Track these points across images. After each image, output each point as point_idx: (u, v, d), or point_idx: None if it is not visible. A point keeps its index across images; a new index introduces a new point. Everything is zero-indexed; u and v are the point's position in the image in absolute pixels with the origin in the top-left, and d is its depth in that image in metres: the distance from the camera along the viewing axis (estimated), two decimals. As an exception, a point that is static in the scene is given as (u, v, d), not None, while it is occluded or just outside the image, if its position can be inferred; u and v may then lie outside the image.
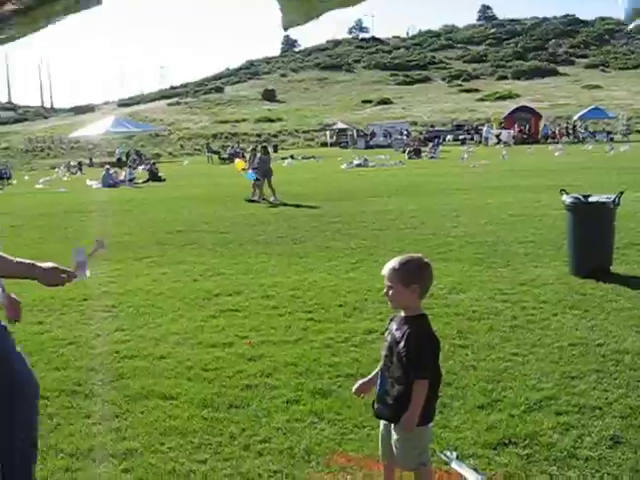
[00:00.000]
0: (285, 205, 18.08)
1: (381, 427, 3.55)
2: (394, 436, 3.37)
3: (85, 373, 5.81)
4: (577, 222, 8.54)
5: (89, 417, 4.91)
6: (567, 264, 8.75)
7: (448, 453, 4.05)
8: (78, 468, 4.16)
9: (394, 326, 3.36)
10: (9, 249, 10.81)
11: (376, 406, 3.46)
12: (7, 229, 16.36)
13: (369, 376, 3.65)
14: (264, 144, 24.71)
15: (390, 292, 3.32)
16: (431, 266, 3.38)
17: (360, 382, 3.65)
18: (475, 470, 3.85)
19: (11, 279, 3.58)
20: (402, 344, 3.24)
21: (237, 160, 22.97)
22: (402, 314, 3.36)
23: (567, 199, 8.62)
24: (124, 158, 48.58)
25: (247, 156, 24.06)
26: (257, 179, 19.90)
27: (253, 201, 19.48)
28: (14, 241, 13.84)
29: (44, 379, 5.69)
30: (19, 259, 3.38)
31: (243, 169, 21.21)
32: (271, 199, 19.26)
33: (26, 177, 43.07)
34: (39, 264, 3.37)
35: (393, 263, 3.32)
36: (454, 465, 3.93)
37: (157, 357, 6.13)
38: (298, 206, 17.50)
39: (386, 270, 3.33)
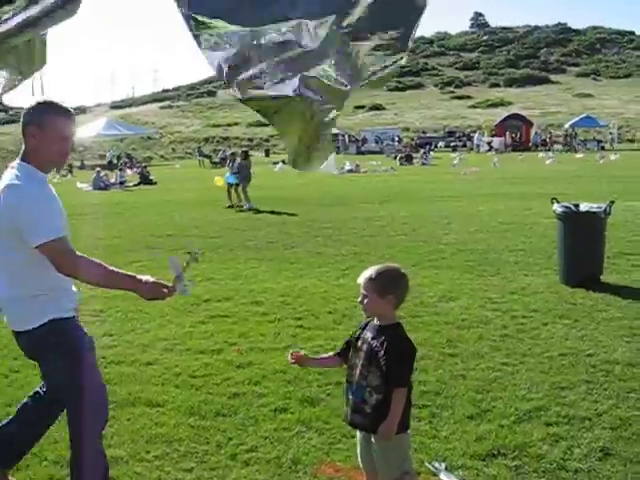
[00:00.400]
0: (274, 212, 17.99)
1: (359, 437, 3.51)
2: (374, 447, 3.34)
3: (71, 379, 5.75)
4: (568, 231, 8.53)
5: (74, 424, 4.85)
6: (557, 273, 8.74)
7: (437, 464, 4.01)
8: (62, 476, 4.10)
9: (369, 334, 3.34)
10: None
11: (351, 416, 3.41)
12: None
13: (313, 356, 3.68)
14: (244, 149, 24.02)
15: (365, 301, 3.32)
16: (407, 277, 3.38)
17: (304, 355, 3.63)
18: (463, 482, 3.82)
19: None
20: (382, 353, 3.22)
21: (216, 178, 22.39)
22: (376, 322, 3.35)
23: (558, 208, 8.61)
24: (115, 161, 48.43)
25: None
26: (235, 184, 19.59)
27: (236, 206, 19.25)
28: (3, 243, 13.76)
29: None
30: (121, 271, 3.37)
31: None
32: (245, 206, 18.92)
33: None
34: (140, 277, 3.35)
35: (370, 272, 3.32)
36: (442, 476, 3.89)
37: (144, 363, 6.08)
38: (289, 212, 17.44)
39: (362, 279, 3.33)
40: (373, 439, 3.34)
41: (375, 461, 3.39)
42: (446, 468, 3.98)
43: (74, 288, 3.60)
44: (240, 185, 19.45)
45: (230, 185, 19.78)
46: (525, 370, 5.57)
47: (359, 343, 3.39)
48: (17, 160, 3.42)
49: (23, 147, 3.43)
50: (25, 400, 3.87)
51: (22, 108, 3.44)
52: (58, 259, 3.24)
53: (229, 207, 19.16)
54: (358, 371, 3.33)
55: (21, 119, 3.42)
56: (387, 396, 3.21)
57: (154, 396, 5.25)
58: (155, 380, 5.63)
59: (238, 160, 20.13)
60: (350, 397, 3.39)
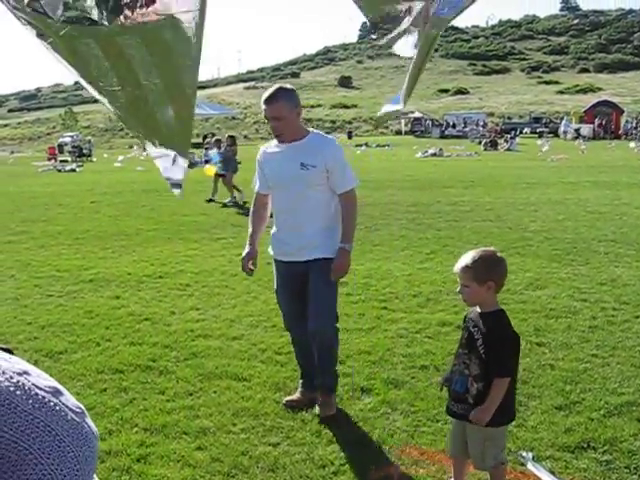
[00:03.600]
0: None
1: (454, 423, 3.46)
2: (473, 435, 3.29)
3: (160, 349, 5.90)
4: (663, 222, 8.23)
5: (163, 393, 4.98)
6: (650, 265, 8.45)
7: (524, 453, 3.94)
8: (152, 443, 4.22)
9: (471, 323, 3.27)
10: (88, 224, 11.13)
11: (455, 406, 3.33)
12: (87, 205, 16.76)
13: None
14: (231, 134, 20.56)
15: (465, 290, 3.22)
16: (505, 260, 3.30)
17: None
18: (552, 473, 3.74)
19: None
20: (481, 341, 3.16)
21: (207, 166, 18.98)
22: (478, 310, 3.27)
23: (654, 198, 8.31)
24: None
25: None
26: (222, 174, 17.25)
27: (212, 200, 16.96)
28: (92, 217, 14.19)
29: (120, 353, 5.82)
30: (257, 234, 4.93)
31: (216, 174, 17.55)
32: (228, 199, 16.73)
33: (105, 155, 44.06)
34: (255, 248, 4.81)
35: (466, 260, 3.21)
36: (530, 466, 3.82)
37: (230, 338, 6.18)
38: (372, 194, 17.36)
39: (459, 268, 3.22)
40: (472, 429, 3.27)
41: (469, 448, 3.35)
42: (533, 458, 3.91)
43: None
44: (227, 175, 17.19)
45: (218, 175, 17.35)
46: (616, 363, 5.41)
47: (463, 332, 3.33)
48: None
49: None
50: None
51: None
52: None
53: (209, 201, 16.98)
54: (461, 360, 3.28)
55: None
56: (488, 386, 3.13)
57: (240, 370, 5.33)
58: (241, 355, 5.71)
59: (224, 147, 17.91)
60: (453, 387, 3.33)
